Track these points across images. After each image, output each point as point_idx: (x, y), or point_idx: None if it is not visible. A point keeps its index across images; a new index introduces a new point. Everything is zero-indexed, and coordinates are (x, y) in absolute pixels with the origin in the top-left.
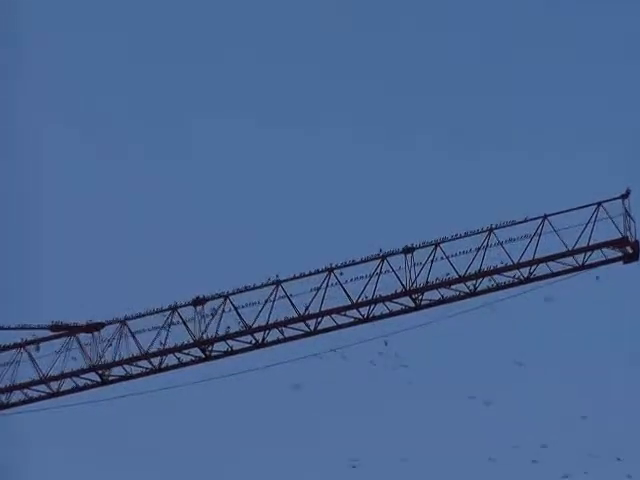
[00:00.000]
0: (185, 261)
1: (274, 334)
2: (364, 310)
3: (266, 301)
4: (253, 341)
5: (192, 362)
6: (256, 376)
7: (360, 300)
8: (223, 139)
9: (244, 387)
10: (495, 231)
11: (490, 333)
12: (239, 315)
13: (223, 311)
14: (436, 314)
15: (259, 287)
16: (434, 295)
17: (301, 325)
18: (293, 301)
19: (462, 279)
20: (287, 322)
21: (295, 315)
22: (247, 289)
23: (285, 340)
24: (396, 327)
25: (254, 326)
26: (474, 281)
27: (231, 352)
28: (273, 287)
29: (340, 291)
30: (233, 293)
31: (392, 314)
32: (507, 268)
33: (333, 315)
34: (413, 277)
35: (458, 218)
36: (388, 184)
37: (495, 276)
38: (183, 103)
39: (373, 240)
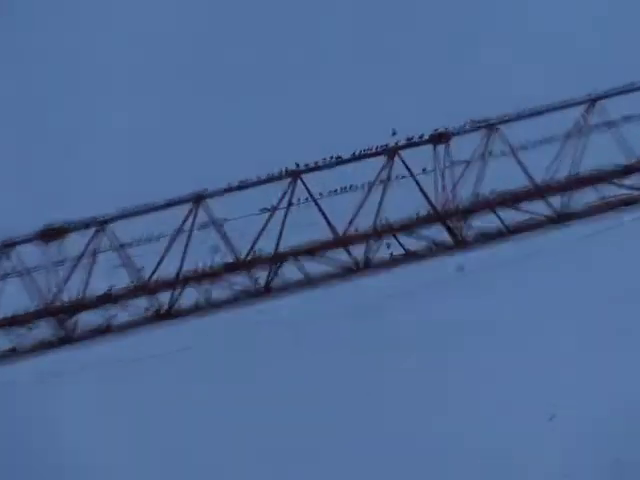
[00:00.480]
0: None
1: (190, 295)
2: (358, 251)
3: (178, 232)
4: (151, 308)
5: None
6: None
7: (350, 232)
8: None
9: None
10: (601, 102)
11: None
12: (125, 260)
13: (95, 252)
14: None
15: (162, 207)
16: (488, 221)
17: (241, 278)
18: (226, 232)
19: (540, 191)
20: (214, 273)
21: (231, 259)
22: (131, 213)
23: (211, 307)
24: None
25: (151, 281)
26: (563, 194)
27: (104, 330)
28: (189, 206)
29: (313, 214)
30: (112, 219)
31: (409, 256)
32: (627, 170)
33: (301, 258)
34: (449, 189)
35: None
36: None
37: (603, 185)
38: None
39: (374, 124)
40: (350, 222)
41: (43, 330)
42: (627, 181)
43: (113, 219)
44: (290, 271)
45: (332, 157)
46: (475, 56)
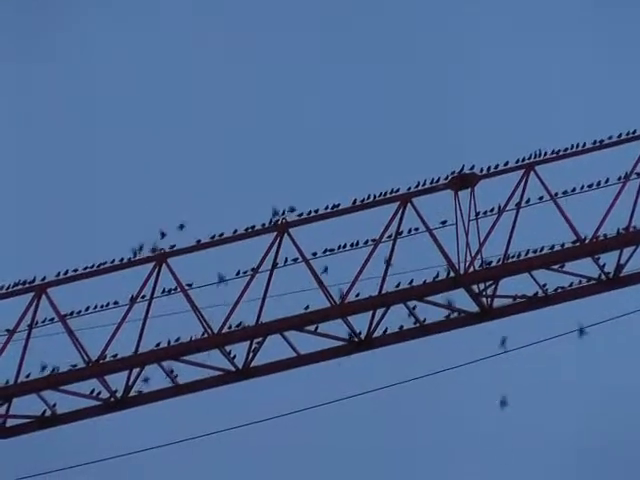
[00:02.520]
0: None
1: (151, 376)
2: (359, 323)
3: (135, 299)
4: (102, 393)
5: None
6: None
7: (350, 299)
8: None
9: None
10: None
11: None
12: (69, 333)
13: (32, 323)
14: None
15: (114, 269)
16: (523, 286)
17: (214, 355)
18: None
19: (587, 248)
20: (181, 350)
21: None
22: (77, 276)
23: (178, 391)
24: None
25: (102, 360)
26: (618, 251)
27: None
28: (149, 268)
29: (303, 276)
30: (53, 283)
31: (423, 329)
32: None
33: (287, 333)
34: (475, 245)
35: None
36: None
37: None
38: None
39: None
40: (350, 287)
41: None
42: None
43: (54, 282)
44: (275, 347)
45: (327, 207)
46: None
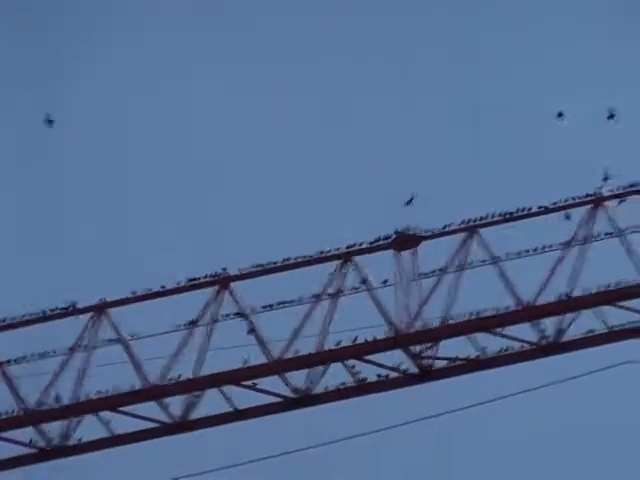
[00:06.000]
0: None
1: (90, 425)
2: (297, 379)
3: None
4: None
5: None
6: None
7: (289, 356)
8: None
9: None
10: (608, 203)
11: None
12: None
13: None
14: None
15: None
16: (463, 348)
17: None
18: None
19: (528, 312)
20: (116, 401)
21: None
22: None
23: (115, 441)
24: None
25: (36, 408)
26: (558, 317)
27: None
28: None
29: (243, 332)
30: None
31: (361, 389)
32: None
33: (227, 387)
34: (416, 305)
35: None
36: None
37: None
38: None
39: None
40: (289, 343)
41: None
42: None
43: None
44: (213, 401)
45: (271, 261)
46: None
